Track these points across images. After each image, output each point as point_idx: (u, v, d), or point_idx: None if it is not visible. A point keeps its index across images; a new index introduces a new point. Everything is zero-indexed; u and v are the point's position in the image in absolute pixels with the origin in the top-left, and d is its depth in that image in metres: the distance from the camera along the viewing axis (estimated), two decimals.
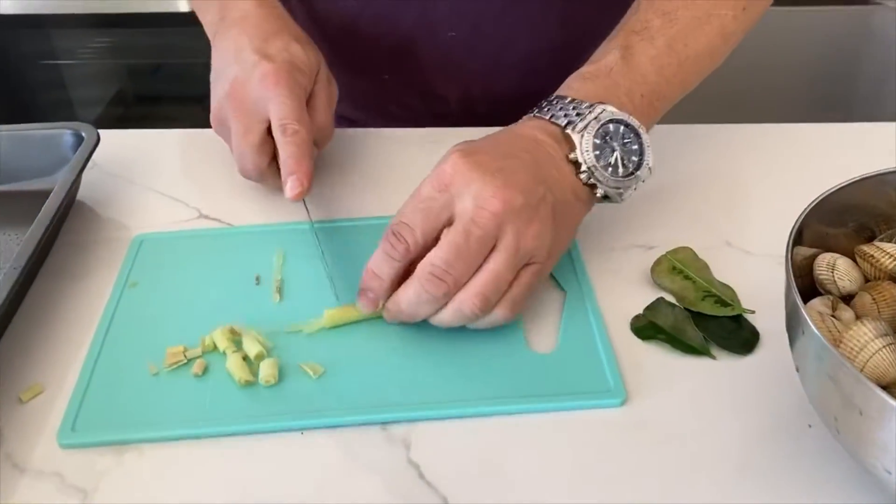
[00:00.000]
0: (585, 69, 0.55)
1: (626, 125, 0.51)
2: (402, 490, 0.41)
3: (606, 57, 0.54)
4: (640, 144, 0.51)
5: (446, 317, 0.46)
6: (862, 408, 0.32)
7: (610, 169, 0.50)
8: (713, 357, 0.48)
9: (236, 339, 0.49)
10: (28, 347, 0.50)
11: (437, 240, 0.46)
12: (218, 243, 0.57)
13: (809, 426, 0.43)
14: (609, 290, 0.52)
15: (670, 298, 0.51)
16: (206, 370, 0.47)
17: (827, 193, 0.42)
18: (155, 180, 0.65)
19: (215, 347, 0.49)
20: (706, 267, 0.53)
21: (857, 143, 0.67)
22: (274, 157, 0.57)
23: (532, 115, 0.53)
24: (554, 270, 0.51)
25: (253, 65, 0.56)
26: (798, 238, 0.40)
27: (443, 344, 0.48)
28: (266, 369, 0.46)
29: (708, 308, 0.50)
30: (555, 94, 0.53)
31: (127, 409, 0.45)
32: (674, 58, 0.55)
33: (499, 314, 0.46)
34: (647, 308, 0.51)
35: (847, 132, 0.68)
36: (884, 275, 0.41)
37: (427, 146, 0.67)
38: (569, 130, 0.50)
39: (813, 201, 0.42)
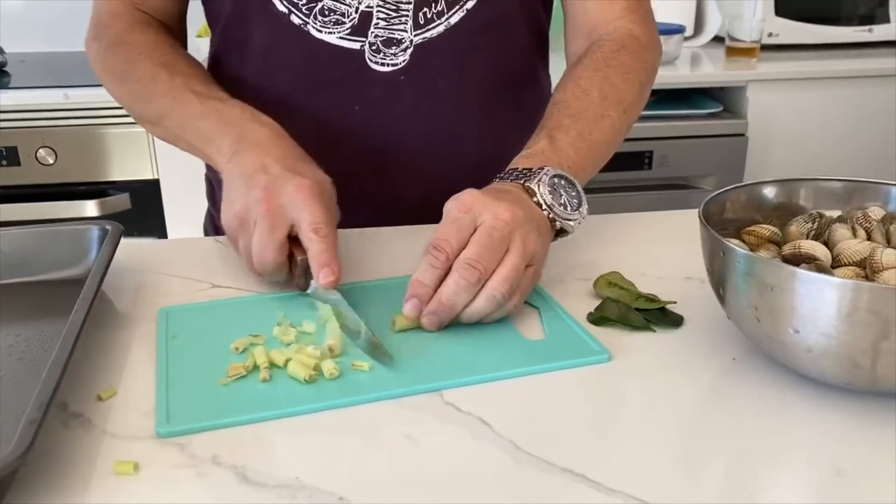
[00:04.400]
0: (524, 153, 0.74)
1: (566, 178, 0.70)
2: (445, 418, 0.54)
3: (537, 144, 0.74)
4: (578, 191, 0.70)
5: (480, 303, 0.60)
6: (773, 284, 0.49)
7: (562, 207, 0.68)
8: (654, 331, 0.64)
9: (286, 357, 0.59)
10: (93, 364, 0.60)
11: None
12: (236, 305, 0.69)
13: (734, 359, 0.60)
14: (565, 303, 0.68)
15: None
16: (271, 376, 0.57)
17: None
18: (161, 267, 0.76)
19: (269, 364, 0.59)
20: (633, 284, 0.71)
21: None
22: (288, 258, 0.68)
23: (494, 182, 0.71)
24: (527, 298, 0.67)
25: (285, 178, 0.66)
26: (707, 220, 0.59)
27: (457, 341, 0.62)
28: (329, 365, 0.57)
29: (641, 304, 0.67)
30: (506, 169, 0.72)
31: (209, 407, 0.55)
32: (584, 143, 0.76)
33: (512, 303, 0.62)
34: (597, 308, 0.67)
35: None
36: (764, 240, 0.60)
37: (392, 240, 0.82)
38: (528, 184, 0.68)
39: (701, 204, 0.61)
